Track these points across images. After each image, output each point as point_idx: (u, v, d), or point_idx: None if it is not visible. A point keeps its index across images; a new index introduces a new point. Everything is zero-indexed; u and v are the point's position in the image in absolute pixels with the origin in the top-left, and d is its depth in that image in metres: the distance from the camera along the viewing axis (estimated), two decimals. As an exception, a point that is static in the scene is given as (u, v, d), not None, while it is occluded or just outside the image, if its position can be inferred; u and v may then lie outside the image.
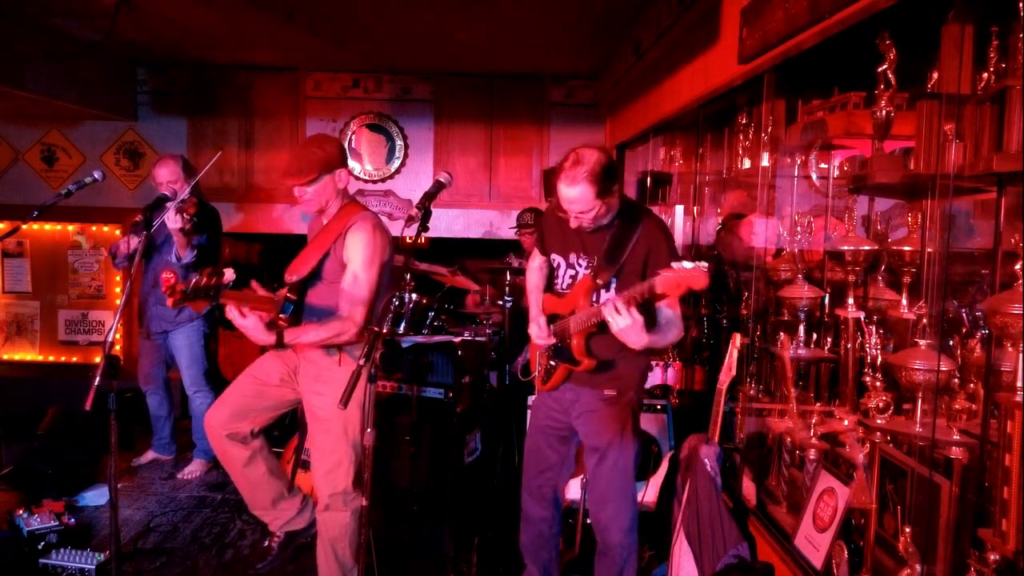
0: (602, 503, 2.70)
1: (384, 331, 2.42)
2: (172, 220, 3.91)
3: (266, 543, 3.20)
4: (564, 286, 2.69)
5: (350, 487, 2.83)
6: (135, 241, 4.07)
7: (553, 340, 2.68)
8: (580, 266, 2.65)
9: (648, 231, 2.52)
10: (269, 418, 2.95)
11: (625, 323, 2.26)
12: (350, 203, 2.84)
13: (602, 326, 2.40)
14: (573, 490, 3.20)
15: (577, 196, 2.41)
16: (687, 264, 2.13)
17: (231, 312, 2.55)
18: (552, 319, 2.71)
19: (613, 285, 2.53)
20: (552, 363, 2.70)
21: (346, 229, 2.72)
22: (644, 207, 2.62)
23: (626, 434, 2.63)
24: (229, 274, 2.57)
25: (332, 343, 2.72)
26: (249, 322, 2.55)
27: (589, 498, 2.79)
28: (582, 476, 2.86)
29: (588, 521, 2.82)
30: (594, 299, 2.56)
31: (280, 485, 3.00)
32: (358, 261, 2.69)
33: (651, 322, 2.41)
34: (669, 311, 2.48)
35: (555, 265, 2.75)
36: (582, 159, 2.40)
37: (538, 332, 2.70)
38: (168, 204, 3.86)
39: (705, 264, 2.12)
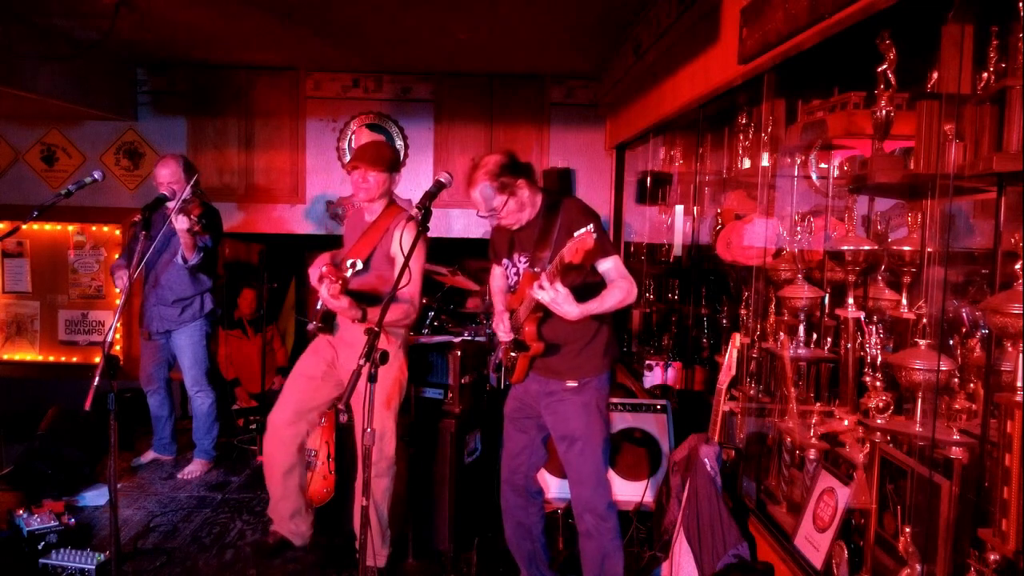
0: (575, 489, 2.81)
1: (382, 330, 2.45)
2: (179, 222, 3.86)
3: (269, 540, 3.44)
4: (513, 284, 2.86)
5: (393, 454, 3.19)
6: (125, 278, 3.95)
7: (512, 334, 2.81)
8: (521, 263, 2.80)
9: (567, 213, 2.68)
10: (318, 417, 3.40)
11: (552, 295, 2.41)
12: (394, 204, 3.23)
13: (546, 309, 2.55)
14: (558, 489, 3.26)
15: (480, 195, 2.64)
16: (578, 231, 2.29)
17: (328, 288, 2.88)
18: (511, 316, 2.84)
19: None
20: (513, 355, 2.83)
21: (394, 227, 3.10)
22: (565, 194, 2.77)
23: (592, 422, 2.75)
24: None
25: (401, 324, 3.15)
26: (343, 303, 2.91)
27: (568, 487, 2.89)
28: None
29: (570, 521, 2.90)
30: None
31: (303, 501, 3.39)
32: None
33: (591, 294, 2.54)
34: (609, 269, 2.60)
35: (506, 268, 2.90)
36: (479, 163, 2.66)
37: (503, 328, 2.83)
38: (169, 204, 3.83)
39: (588, 226, 2.27)
